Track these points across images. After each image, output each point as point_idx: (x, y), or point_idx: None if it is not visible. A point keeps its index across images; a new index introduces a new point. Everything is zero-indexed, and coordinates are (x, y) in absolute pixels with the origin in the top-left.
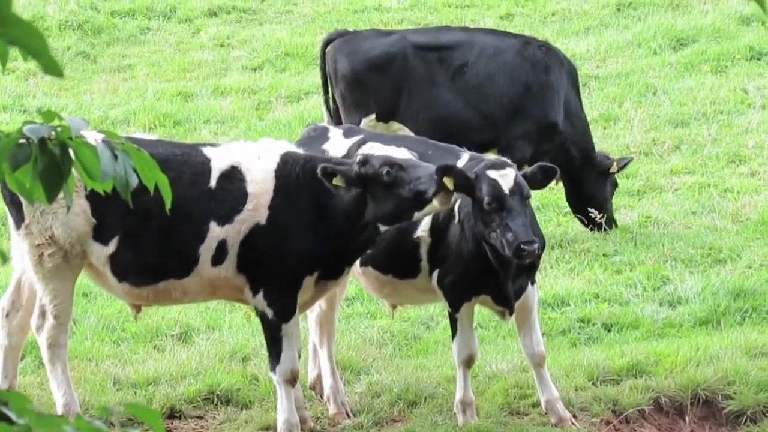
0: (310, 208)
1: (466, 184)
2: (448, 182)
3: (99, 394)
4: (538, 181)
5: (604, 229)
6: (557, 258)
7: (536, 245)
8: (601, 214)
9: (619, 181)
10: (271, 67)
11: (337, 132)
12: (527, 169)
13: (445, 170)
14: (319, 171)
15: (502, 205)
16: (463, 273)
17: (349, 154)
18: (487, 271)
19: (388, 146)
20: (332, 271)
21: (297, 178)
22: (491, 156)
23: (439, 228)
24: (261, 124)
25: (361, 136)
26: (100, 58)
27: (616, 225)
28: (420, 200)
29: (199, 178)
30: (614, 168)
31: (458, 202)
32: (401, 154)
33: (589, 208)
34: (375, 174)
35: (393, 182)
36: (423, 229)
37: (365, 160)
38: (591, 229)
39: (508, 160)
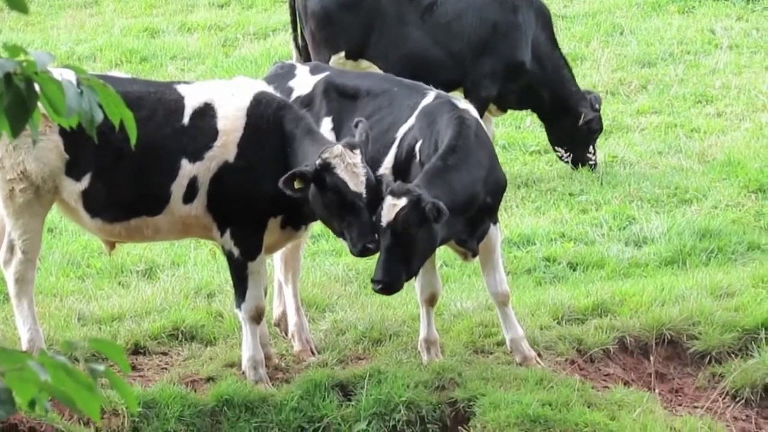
0: (276, 152)
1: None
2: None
3: (63, 329)
4: (434, 218)
5: (590, 168)
6: (523, 197)
7: (380, 286)
8: (568, 153)
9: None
10: (238, 3)
11: (304, 69)
12: (427, 202)
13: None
14: (281, 183)
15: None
16: None
17: (315, 91)
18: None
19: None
20: (294, 220)
21: (268, 120)
22: (458, 98)
23: (400, 167)
24: (227, 61)
25: (327, 73)
26: None
27: (594, 166)
28: (339, 236)
29: (172, 115)
30: (581, 122)
31: (419, 143)
32: (360, 181)
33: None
34: (324, 186)
35: (331, 205)
36: (385, 167)
37: (326, 166)
38: (575, 167)
39: (416, 189)
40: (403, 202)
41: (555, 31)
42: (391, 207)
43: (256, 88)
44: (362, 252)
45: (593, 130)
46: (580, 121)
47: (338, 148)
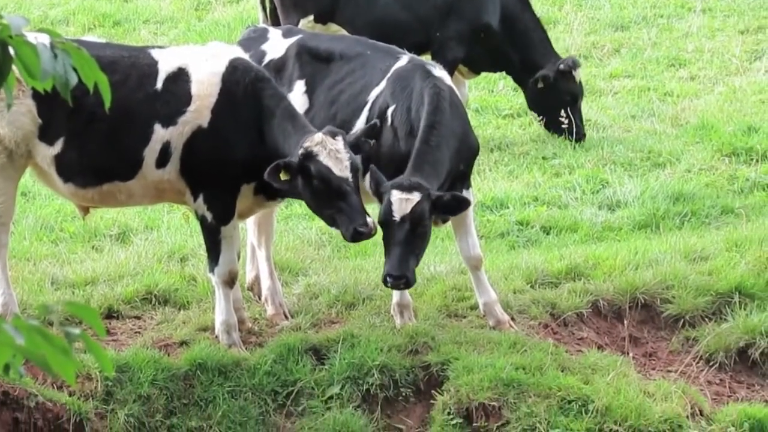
0: (251, 120)
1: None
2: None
3: (37, 293)
4: (452, 210)
5: (567, 135)
6: (496, 161)
7: (402, 281)
8: (541, 117)
9: None
10: None
11: (276, 33)
12: (443, 195)
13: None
14: (266, 175)
15: (388, 232)
16: (394, 176)
17: (288, 54)
18: None
19: (337, 141)
20: (268, 189)
21: (245, 88)
22: (432, 63)
23: None
24: (200, 25)
25: (299, 36)
26: None
27: (582, 135)
28: (332, 225)
29: (146, 80)
30: (539, 82)
31: (391, 108)
32: (345, 166)
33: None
34: (309, 175)
35: (319, 193)
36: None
37: (309, 154)
38: (550, 131)
39: (422, 182)
40: (416, 196)
41: None
42: (404, 201)
43: (232, 54)
44: (355, 236)
45: (561, 91)
46: (540, 83)
47: (319, 135)
